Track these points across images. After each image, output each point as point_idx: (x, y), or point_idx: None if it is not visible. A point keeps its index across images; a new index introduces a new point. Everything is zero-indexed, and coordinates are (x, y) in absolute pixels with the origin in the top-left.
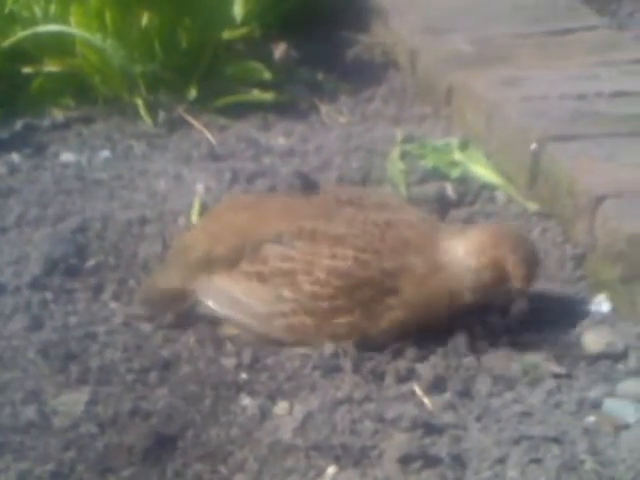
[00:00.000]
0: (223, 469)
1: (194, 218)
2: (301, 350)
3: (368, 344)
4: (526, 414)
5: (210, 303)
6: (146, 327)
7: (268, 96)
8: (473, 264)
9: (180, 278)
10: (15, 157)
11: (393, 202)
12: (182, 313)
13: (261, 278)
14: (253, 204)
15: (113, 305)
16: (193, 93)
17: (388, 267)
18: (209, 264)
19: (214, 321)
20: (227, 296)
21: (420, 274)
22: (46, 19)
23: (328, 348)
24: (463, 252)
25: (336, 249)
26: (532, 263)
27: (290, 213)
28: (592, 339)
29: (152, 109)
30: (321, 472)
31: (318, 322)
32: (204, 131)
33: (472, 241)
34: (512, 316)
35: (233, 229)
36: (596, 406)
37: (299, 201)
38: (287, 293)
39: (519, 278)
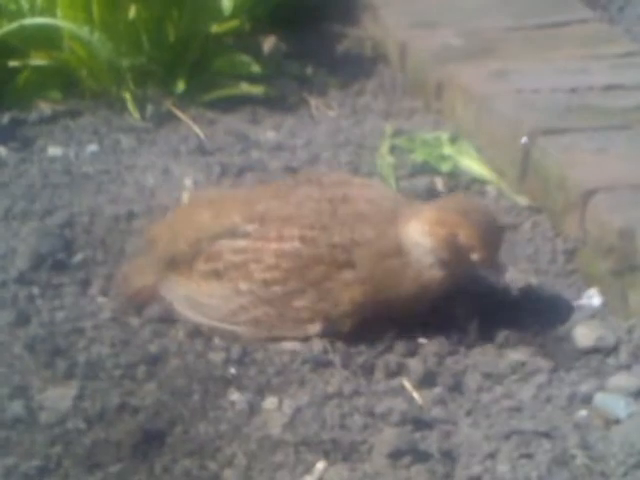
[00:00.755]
0: (212, 465)
1: None
2: (290, 345)
3: (340, 333)
4: (516, 409)
5: (180, 309)
6: (134, 322)
7: (257, 90)
8: (428, 242)
9: (151, 276)
10: (2, 151)
11: (357, 180)
12: (167, 306)
13: (217, 275)
14: (215, 199)
15: (100, 300)
16: (181, 87)
17: (338, 241)
18: (171, 262)
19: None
20: (193, 301)
21: (376, 249)
22: (33, 12)
23: (317, 343)
24: (418, 230)
25: (283, 230)
26: (489, 233)
27: (246, 203)
28: (583, 333)
29: (140, 103)
30: (310, 467)
31: (278, 310)
32: (192, 125)
33: (425, 218)
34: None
35: (192, 225)
36: (587, 401)
37: (258, 189)
38: (242, 285)
39: (477, 249)
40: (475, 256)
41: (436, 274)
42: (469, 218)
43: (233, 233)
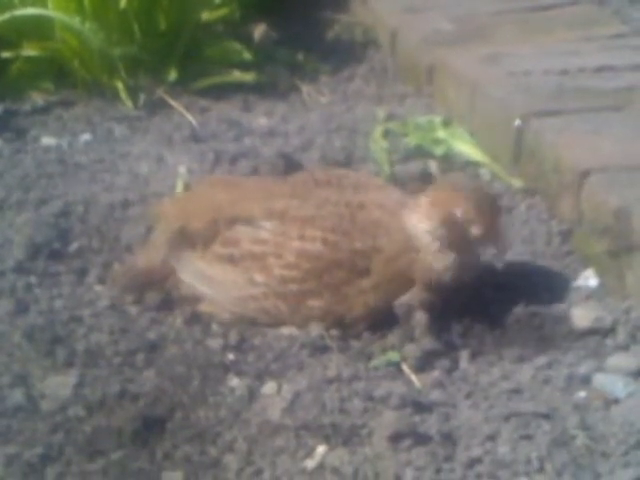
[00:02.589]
0: (212, 450)
1: None
2: (288, 330)
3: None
4: (515, 391)
5: (187, 279)
6: (132, 309)
7: (248, 77)
8: (428, 226)
9: (159, 256)
10: None
11: (372, 183)
12: (166, 293)
13: (233, 261)
14: (232, 184)
15: (98, 288)
16: (173, 75)
17: (359, 247)
18: (185, 239)
19: (196, 300)
20: (203, 274)
21: (388, 254)
22: (24, 2)
23: (315, 328)
24: (418, 218)
25: (305, 230)
26: (486, 206)
27: (265, 193)
28: (580, 314)
29: (132, 92)
30: (311, 451)
31: (290, 306)
32: (185, 113)
33: (422, 204)
34: (498, 259)
35: (209, 206)
36: (586, 381)
37: (277, 182)
38: (258, 277)
39: (476, 222)
40: (475, 229)
41: (445, 259)
42: (464, 194)
43: (252, 223)
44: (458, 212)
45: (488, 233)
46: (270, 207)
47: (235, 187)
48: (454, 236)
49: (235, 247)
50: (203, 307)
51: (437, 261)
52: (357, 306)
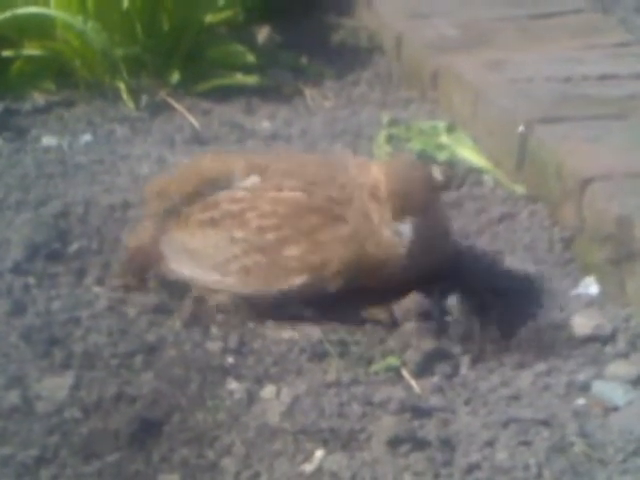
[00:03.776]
0: (210, 453)
1: None
2: (287, 334)
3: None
4: (514, 397)
5: (173, 264)
6: (131, 311)
7: (251, 80)
8: (365, 196)
9: (148, 235)
10: None
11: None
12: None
13: (213, 223)
14: (219, 155)
15: (96, 289)
16: (175, 77)
17: (335, 196)
18: (169, 216)
19: (200, 301)
20: (186, 249)
21: (362, 211)
22: (26, 1)
23: (314, 333)
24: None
25: (283, 181)
26: (405, 187)
27: (249, 157)
28: (580, 322)
29: (134, 93)
30: (309, 455)
31: (269, 258)
32: (187, 115)
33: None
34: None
35: (192, 175)
36: (585, 389)
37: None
38: (237, 233)
39: (388, 200)
40: (387, 207)
41: (385, 233)
42: (391, 171)
43: (232, 182)
44: (381, 188)
45: (394, 213)
46: (252, 163)
47: (221, 157)
48: (378, 210)
49: (215, 209)
50: (194, 292)
51: (381, 234)
52: (334, 256)
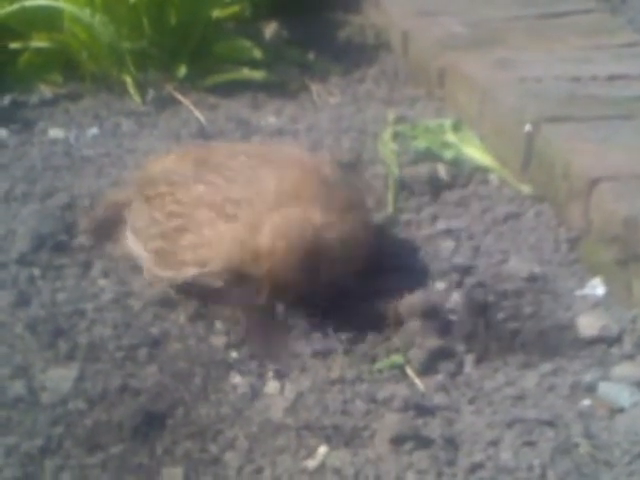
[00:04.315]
0: (213, 447)
1: None
2: (292, 332)
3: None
4: (519, 397)
5: (128, 236)
6: (135, 304)
7: (258, 75)
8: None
9: (124, 196)
10: (3, 133)
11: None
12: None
13: (148, 201)
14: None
15: (102, 282)
16: (182, 71)
17: (233, 196)
18: (136, 190)
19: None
20: (132, 224)
21: (257, 213)
22: None
23: (319, 330)
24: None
25: (206, 175)
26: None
27: (200, 149)
28: (587, 322)
29: (141, 87)
30: (312, 451)
31: (169, 245)
32: (193, 110)
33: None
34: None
35: (159, 163)
36: (590, 390)
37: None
38: (157, 214)
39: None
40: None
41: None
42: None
43: (172, 170)
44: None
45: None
46: (194, 155)
47: (192, 150)
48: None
49: (153, 188)
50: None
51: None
52: (218, 253)
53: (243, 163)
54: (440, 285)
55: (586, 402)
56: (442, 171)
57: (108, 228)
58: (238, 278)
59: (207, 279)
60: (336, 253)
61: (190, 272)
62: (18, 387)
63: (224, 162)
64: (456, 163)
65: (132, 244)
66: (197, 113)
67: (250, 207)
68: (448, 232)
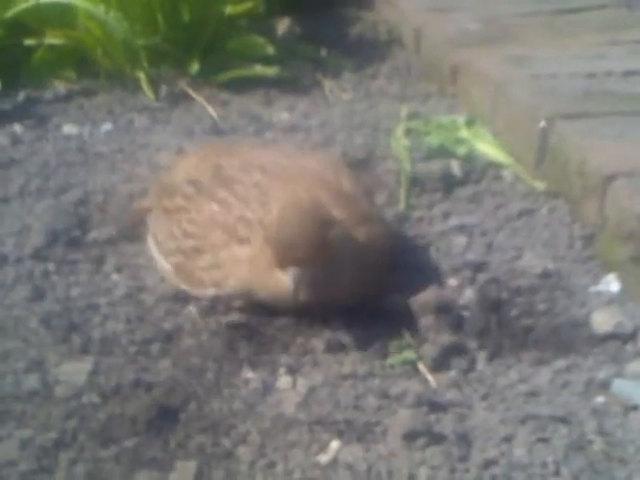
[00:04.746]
0: (226, 442)
1: None
2: (305, 326)
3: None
4: (533, 394)
5: (149, 240)
6: (148, 299)
7: (271, 71)
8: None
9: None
10: (17, 128)
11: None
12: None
13: (167, 213)
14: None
15: (115, 277)
16: (195, 67)
17: (247, 216)
18: (156, 196)
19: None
20: (152, 233)
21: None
22: None
23: (331, 325)
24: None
25: (217, 190)
26: (288, 230)
27: (216, 155)
28: (601, 319)
29: (154, 83)
30: (325, 446)
31: (187, 264)
32: (206, 106)
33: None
34: None
35: (179, 167)
36: (604, 387)
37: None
38: (175, 230)
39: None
40: (273, 254)
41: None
42: (283, 216)
43: (190, 178)
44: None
45: (278, 260)
46: (210, 165)
47: (211, 150)
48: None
49: (170, 200)
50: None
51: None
52: (232, 276)
53: (257, 179)
54: (453, 281)
55: (600, 399)
56: (455, 167)
57: (131, 231)
58: (253, 300)
59: (226, 299)
60: (345, 274)
61: (210, 293)
62: (32, 381)
63: (238, 177)
64: (469, 159)
65: (154, 253)
66: (210, 109)
67: (262, 230)
68: (461, 228)
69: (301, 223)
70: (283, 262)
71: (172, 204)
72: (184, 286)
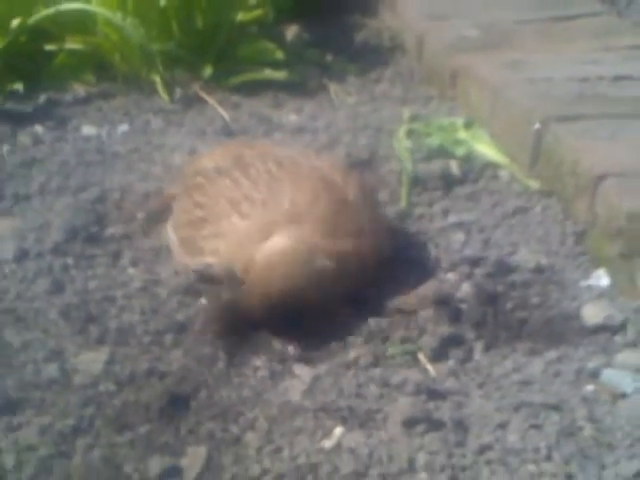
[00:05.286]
0: (234, 428)
1: None
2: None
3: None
4: (526, 382)
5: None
6: (162, 292)
7: (280, 75)
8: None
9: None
10: (39, 129)
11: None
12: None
13: (186, 191)
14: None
15: (131, 271)
16: (208, 71)
17: (254, 195)
18: (185, 178)
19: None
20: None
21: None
22: None
23: (335, 315)
24: None
25: (234, 171)
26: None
27: (240, 146)
28: (591, 312)
29: (169, 86)
30: (328, 432)
31: (193, 233)
32: (218, 108)
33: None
34: None
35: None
36: (594, 376)
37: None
38: (189, 204)
39: None
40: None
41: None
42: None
43: (213, 164)
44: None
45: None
46: (234, 153)
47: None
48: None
49: (193, 179)
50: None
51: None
52: (228, 245)
53: (271, 168)
54: (451, 276)
55: (590, 388)
56: (454, 167)
57: (159, 217)
58: (236, 274)
59: (216, 269)
60: (328, 281)
61: (212, 261)
62: (52, 370)
63: (254, 163)
64: (467, 159)
65: (169, 231)
66: (222, 111)
67: (263, 210)
68: (459, 225)
69: (284, 275)
70: (261, 302)
71: (193, 182)
72: (186, 258)
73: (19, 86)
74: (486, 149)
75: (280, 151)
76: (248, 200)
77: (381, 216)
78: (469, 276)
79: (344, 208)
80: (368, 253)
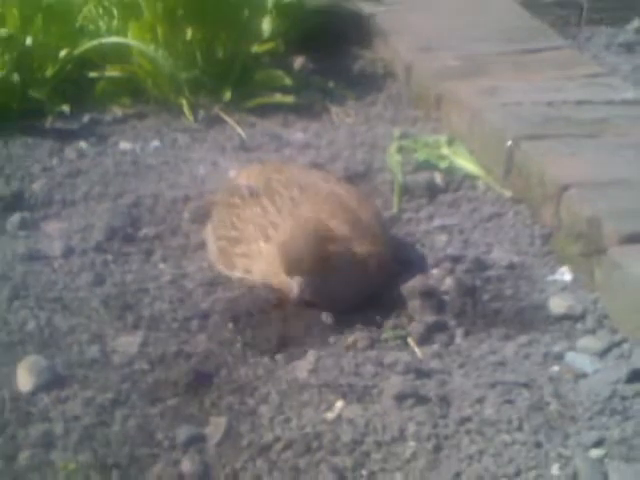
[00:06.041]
0: (250, 401)
1: None
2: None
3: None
4: (500, 363)
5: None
6: (189, 284)
7: (289, 99)
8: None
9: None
10: (83, 145)
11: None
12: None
13: (226, 206)
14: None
15: (161, 266)
16: (228, 95)
17: (275, 220)
18: (225, 191)
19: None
20: (211, 222)
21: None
22: (109, 32)
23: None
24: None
25: (262, 199)
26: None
27: (271, 171)
28: (556, 303)
29: (194, 108)
30: (331, 405)
31: (229, 248)
32: (236, 127)
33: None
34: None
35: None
36: (559, 358)
37: (295, 169)
38: (227, 221)
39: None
40: (281, 262)
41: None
42: (289, 231)
43: (248, 185)
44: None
45: (286, 270)
46: (264, 177)
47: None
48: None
49: (231, 197)
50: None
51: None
52: (255, 265)
53: (294, 195)
54: (436, 271)
55: (555, 368)
56: (438, 178)
57: (202, 216)
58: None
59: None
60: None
61: (237, 274)
62: (94, 351)
63: (279, 190)
64: (449, 172)
65: (208, 235)
66: (239, 130)
67: (283, 233)
68: (442, 228)
69: (306, 242)
70: (289, 272)
71: (231, 200)
72: (222, 267)
73: (66, 108)
74: (465, 163)
75: (304, 176)
76: (272, 226)
77: (386, 231)
78: (451, 272)
79: (356, 226)
80: (375, 259)
